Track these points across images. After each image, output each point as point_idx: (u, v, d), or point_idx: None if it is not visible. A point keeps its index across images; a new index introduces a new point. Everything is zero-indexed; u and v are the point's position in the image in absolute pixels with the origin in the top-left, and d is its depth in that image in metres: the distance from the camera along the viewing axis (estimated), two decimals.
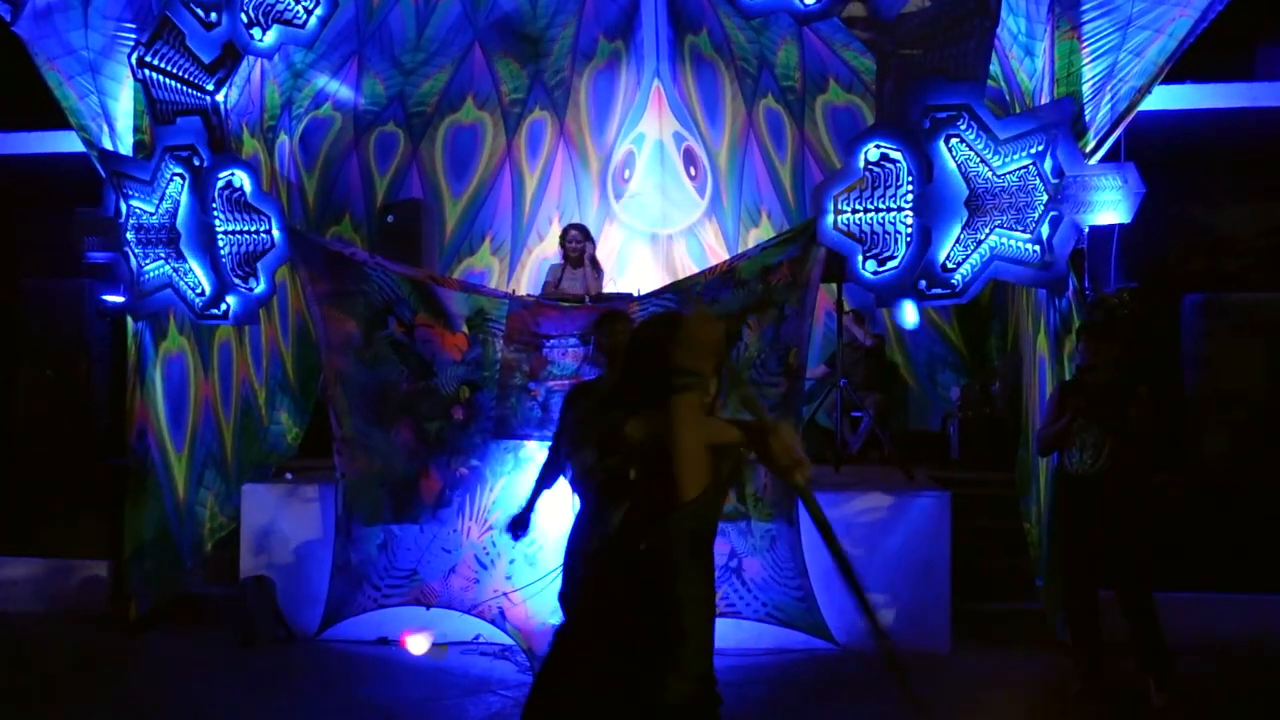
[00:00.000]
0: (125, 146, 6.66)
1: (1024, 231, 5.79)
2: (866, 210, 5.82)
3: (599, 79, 9.43)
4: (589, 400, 4.81)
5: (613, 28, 9.21)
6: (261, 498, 6.63)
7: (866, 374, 8.33)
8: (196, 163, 6.06)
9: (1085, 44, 5.98)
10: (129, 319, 6.66)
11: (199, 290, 6.29)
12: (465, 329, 6.16)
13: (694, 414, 2.43)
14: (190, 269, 6.27)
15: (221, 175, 6.03)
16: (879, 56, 6.00)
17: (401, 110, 9.15)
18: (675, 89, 9.48)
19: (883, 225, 5.82)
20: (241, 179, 6.03)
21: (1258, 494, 6.71)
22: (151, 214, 6.27)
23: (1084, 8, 5.94)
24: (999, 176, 5.75)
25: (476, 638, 6.20)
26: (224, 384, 7.36)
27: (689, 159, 9.65)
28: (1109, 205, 5.93)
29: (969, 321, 8.49)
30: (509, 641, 5.98)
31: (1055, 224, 5.79)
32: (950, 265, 5.80)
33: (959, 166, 5.74)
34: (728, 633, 6.09)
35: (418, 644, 6.07)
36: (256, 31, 5.91)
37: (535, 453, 6.14)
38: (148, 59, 5.97)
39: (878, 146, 5.79)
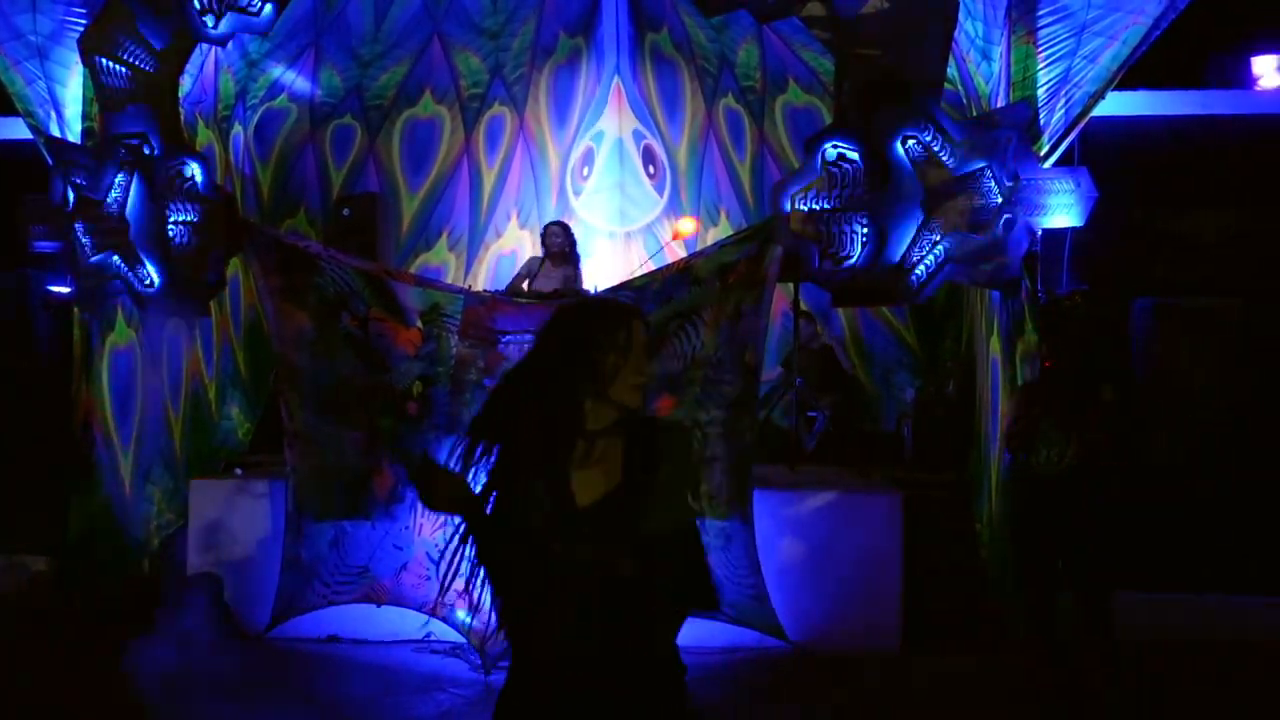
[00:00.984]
0: (74, 134, 6.53)
1: (979, 233, 5.85)
2: (824, 210, 5.85)
3: (559, 75, 9.38)
4: None
5: (573, 24, 9.17)
6: (210, 493, 6.52)
7: (821, 375, 8.36)
8: (147, 151, 5.95)
9: (1041, 49, 6.05)
10: (75, 310, 6.53)
11: (148, 282, 6.17)
12: (420, 324, 6.11)
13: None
14: (139, 260, 6.16)
15: (173, 165, 5.93)
16: (838, 57, 6.03)
17: (359, 103, 9.05)
18: (635, 87, 9.46)
19: (840, 225, 5.85)
20: (193, 169, 5.93)
21: (1205, 496, 6.82)
22: (100, 203, 6.14)
23: (1040, 13, 6.01)
24: (955, 178, 5.81)
25: (427, 635, 6.14)
26: (173, 378, 7.25)
27: (648, 157, 9.63)
28: (1062, 208, 6.01)
29: (924, 323, 8.56)
30: (460, 639, 5.93)
31: (1009, 226, 5.86)
32: (906, 266, 5.84)
33: (915, 168, 5.78)
34: (681, 631, 6.10)
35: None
36: (210, 18, 5.81)
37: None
38: (97, 44, 5.84)
39: (835, 146, 5.82)
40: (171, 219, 6.00)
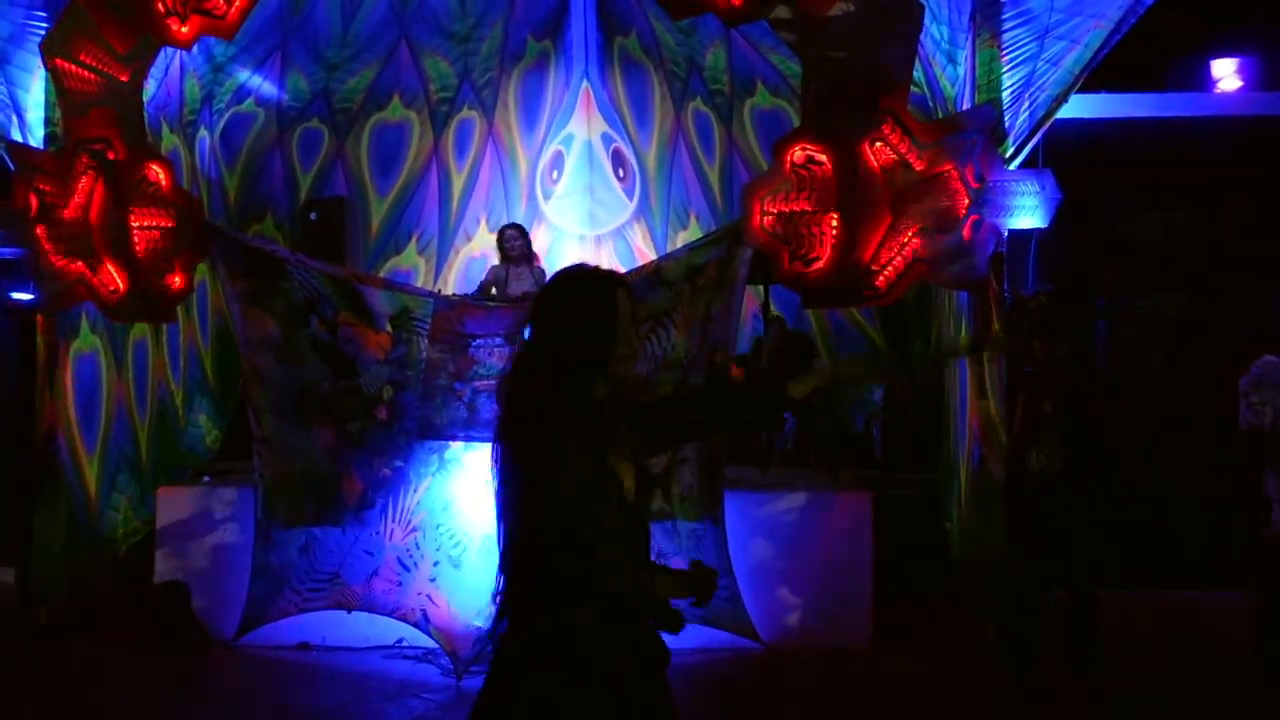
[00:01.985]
0: (36, 138, 6.45)
1: (946, 234, 5.89)
2: (793, 212, 5.87)
3: (528, 79, 9.37)
4: None
5: (541, 28, 9.16)
6: (178, 501, 6.46)
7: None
8: (111, 156, 5.88)
9: (1005, 53, 6.12)
10: (38, 317, 6.43)
11: (111, 288, 6.10)
12: (389, 328, 6.08)
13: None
14: (103, 265, 6.08)
15: (137, 169, 5.86)
16: (804, 59, 6.06)
17: (326, 107, 8.99)
18: (604, 90, 9.46)
19: (808, 227, 5.88)
20: (157, 172, 5.86)
21: (1162, 493, 6.91)
22: (63, 208, 6.06)
23: (1004, 17, 6.08)
24: (922, 180, 5.85)
25: (399, 641, 6.11)
26: (139, 384, 7.16)
27: (617, 160, 9.64)
28: (1027, 210, 6.08)
29: (892, 323, 8.62)
30: (432, 644, 5.91)
31: (976, 227, 5.91)
32: (875, 267, 5.87)
33: (883, 169, 5.82)
34: None
35: None
36: (174, 22, 5.74)
37: (460, 453, 6.10)
38: (59, 48, 5.76)
39: (803, 149, 5.84)
40: (136, 224, 5.92)
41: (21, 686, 5.62)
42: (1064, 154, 6.47)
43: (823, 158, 5.81)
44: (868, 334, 8.86)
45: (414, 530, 6.04)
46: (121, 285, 6.08)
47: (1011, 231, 6.19)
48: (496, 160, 9.58)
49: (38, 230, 6.09)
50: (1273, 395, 5.90)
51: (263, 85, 8.43)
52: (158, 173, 5.87)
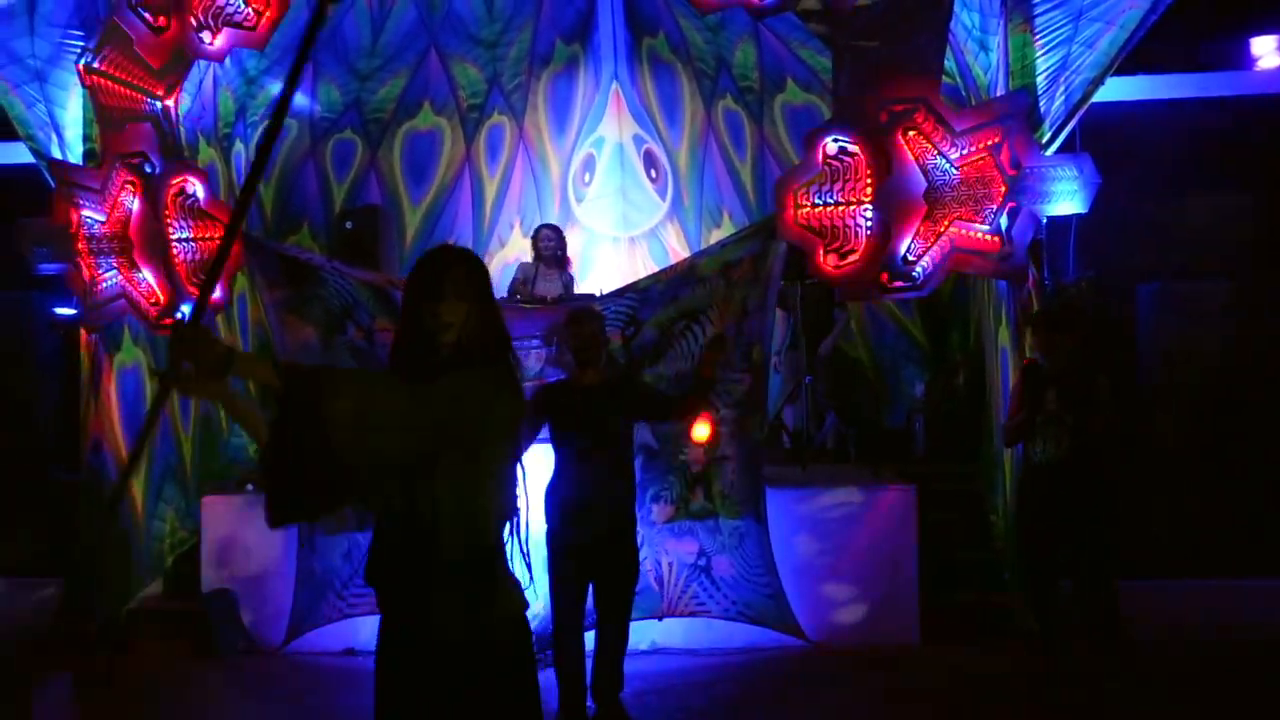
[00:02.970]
0: (75, 155, 6.54)
1: (983, 223, 5.82)
2: (826, 204, 5.83)
3: (557, 83, 9.39)
4: (559, 399, 4.80)
5: (570, 31, 9.18)
6: (222, 510, 6.51)
7: (832, 372, 8.34)
8: (148, 170, 5.96)
9: (1038, 37, 6.03)
10: (81, 331, 6.53)
11: (153, 300, 6.18)
12: None
13: None
14: (144, 278, 6.16)
15: (174, 182, 5.94)
16: (834, 50, 6.01)
17: (358, 117, 9.07)
18: (634, 91, 9.46)
19: (843, 219, 5.83)
20: (194, 185, 5.93)
21: (1210, 480, 6.79)
22: (103, 223, 6.15)
23: (1035, 1, 6.00)
24: (956, 169, 5.78)
25: None
26: (182, 396, 7.23)
27: (649, 161, 9.63)
28: (1066, 196, 5.98)
29: (931, 316, 8.53)
30: None
31: (1013, 215, 5.83)
32: (910, 258, 5.82)
33: (917, 159, 5.76)
34: (699, 633, 6.09)
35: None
36: (206, 35, 5.82)
37: None
38: (95, 65, 5.85)
39: (836, 140, 5.80)
40: (174, 236, 6.00)
41: (73, 697, 5.68)
42: (1102, 138, 6.38)
43: (855, 148, 5.77)
44: (905, 327, 8.78)
45: None
46: (162, 297, 6.15)
47: (1050, 218, 6.10)
48: (528, 165, 9.60)
49: (78, 245, 6.18)
50: None
51: (295, 97, 8.48)
52: (194, 185, 5.94)
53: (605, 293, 6.63)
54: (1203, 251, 7.22)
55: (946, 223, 5.78)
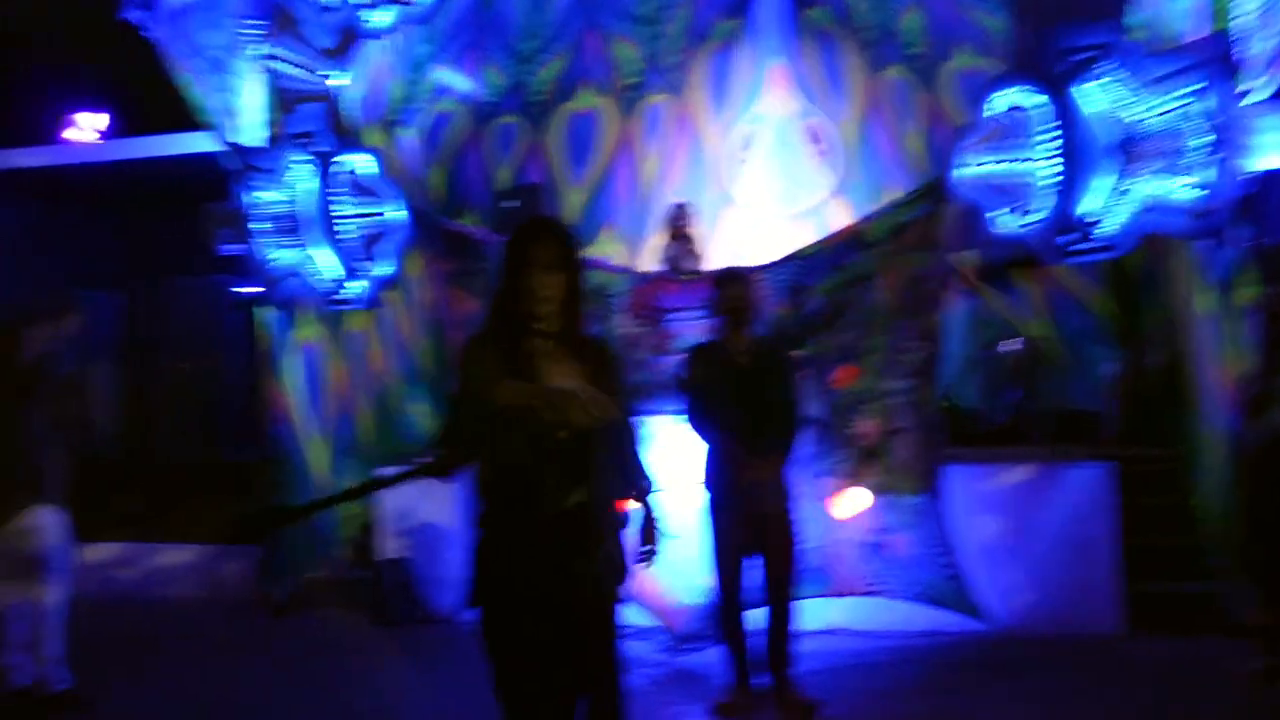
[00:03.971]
0: (253, 140, 6.81)
1: (1180, 178, 5.37)
2: (1001, 162, 5.49)
3: (716, 59, 9.24)
4: (710, 361, 4.69)
5: (728, 7, 9.04)
6: (424, 484, 6.66)
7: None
8: (318, 148, 6.14)
9: None
10: (261, 309, 6.80)
11: (325, 276, 6.37)
12: None
13: None
14: (316, 254, 6.36)
15: (343, 159, 6.10)
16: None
17: (520, 99, 9.15)
18: (796, 65, 9.22)
19: (1021, 177, 5.48)
20: (364, 162, 6.08)
21: None
22: (277, 203, 6.38)
23: None
24: (1149, 119, 5.35)
25: None
26: (359, 372, 7.45)
27: (813, 136, 9.35)
28: (1274, 146, 5.47)
29: (1119, 288, 7.96)
30: (646, 623, 5.84)
31: (1214, 169, 5.35)
32: (1098, 217, 5.42)
33: (1104, 110, 5.36)
34: (879, 614, 5.83)
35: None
36: (370, 13, 5.95)
37: (663, 428, 6.01)
38: (269, 49, 6.06)
39: (1011, 94, 5.46)
40: (345, 213, 6.16)
41: (263, 659, 5.95)
42: None
43: (1035, 100, 5.41)
44: (1091, 299, 8.22)
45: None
46: (333, 273, 6.33)
47: (1257, 172, 5.58)
48: (687, 144, 9.49)
49: (254, 225, 6.42)
50: None
51: (460, 82, 8.63)
52: (362, 163, 6.08)
53: (771, 260, 6.46)
54: None
55: (1139, 178, 5.35)
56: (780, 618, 4.69)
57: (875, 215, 6.10)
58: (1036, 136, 5.38)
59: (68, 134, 9.64)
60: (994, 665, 5.33)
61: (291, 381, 6.82)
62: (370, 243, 6.19)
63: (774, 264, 6.04)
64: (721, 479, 4.65)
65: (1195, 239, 5.79)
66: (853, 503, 5.33)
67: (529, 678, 2.70)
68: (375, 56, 7.27)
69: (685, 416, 4.90)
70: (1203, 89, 5.28)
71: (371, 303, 6.39)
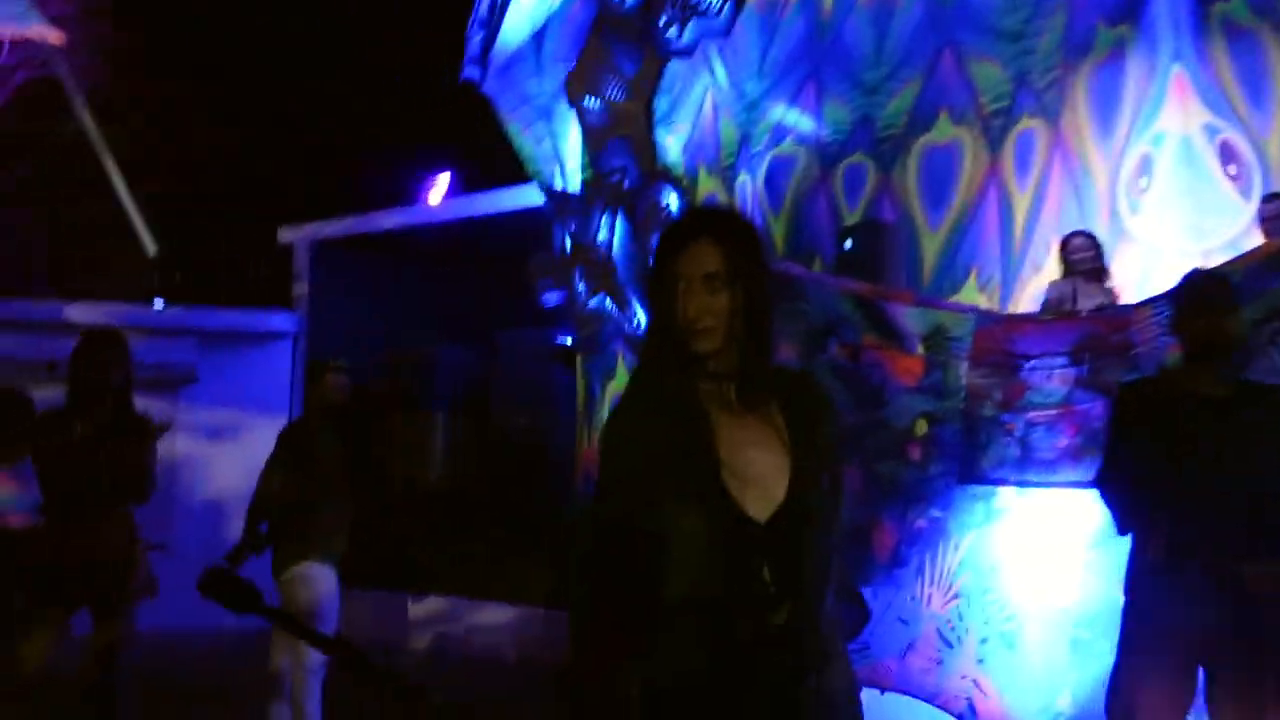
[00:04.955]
0: (575, 185, 6.68)
1: None
2: None
3: (1100, 73, 7.99)
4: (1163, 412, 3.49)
5: (1114, 10, 7.81)
6: None
7: None
8: (627, 185, 5.84)
9: None
10: (578, 360, 6.58)
11: (636, 323, 5.99)
12: (921, 349, 5.20)
13: None
14: (628, 301, 6.01)
15: (651, 195, 5.73)
16: None
17: (868, 136, 8.42)
18: (1203, 72, 7.75)
19: None
20: (670, 198, 5.67)
21: None
22: (590, 246, 6.14)
23: None
24: None
25: None
26: None
27: (1227, 155, 7.80)
28: None
29: None
30: None
31: None
32: None
33: None
34: None
35: None
36: (674, 30, 5.58)
37: (1011, 501, 4.95)
38: (580, 86, 5.87)
39: None
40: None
41: None
42: None
43: None
44: None
45: (956, 597, 4.99)
46: (644, 320, 5.93)
47: None
48: (1067, 174, 8.26)
49: (572, 272, 6.21)
50: None
51: (799, 121, 8.09)
52: (670, 196, 5.67)
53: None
54: None
55: None
56: None
57: None
58: None
59: (430, 195, 10.25)
60: None
61: None
62: None
63: (1158, 297, 4.82)
64: (1164, 581, 3.38)
65: None
66: None
67: None
68: (701, 96, 6.94)
69: (1100, 484, 3.78)
70: None
71: None
